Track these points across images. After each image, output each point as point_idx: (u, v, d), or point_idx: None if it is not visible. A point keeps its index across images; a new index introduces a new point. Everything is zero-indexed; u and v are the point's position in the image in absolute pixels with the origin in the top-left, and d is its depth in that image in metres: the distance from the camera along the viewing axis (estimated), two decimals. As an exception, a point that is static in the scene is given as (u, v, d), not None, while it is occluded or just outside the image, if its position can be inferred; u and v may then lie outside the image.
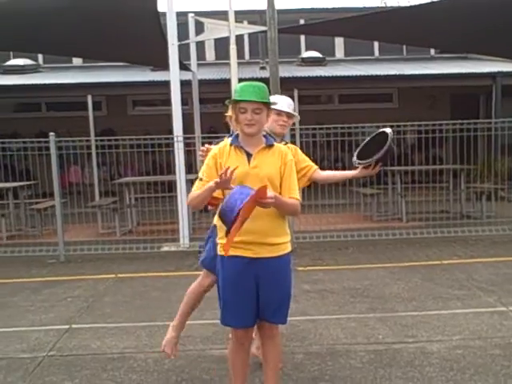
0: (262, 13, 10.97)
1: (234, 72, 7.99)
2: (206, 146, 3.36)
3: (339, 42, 15.92)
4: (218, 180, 2.58)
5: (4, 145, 7.92)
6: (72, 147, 7.83)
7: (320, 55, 14.94)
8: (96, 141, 9.29)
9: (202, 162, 2.99)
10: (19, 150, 8.35)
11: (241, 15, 11.16)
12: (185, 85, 9.29)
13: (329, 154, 11.47)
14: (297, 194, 2.82)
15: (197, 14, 11.16)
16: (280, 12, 8.55)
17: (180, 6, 23.70)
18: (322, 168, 3.70)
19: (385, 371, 3.54)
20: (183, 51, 10.29)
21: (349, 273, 6.16)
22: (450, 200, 9.47)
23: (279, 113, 3.41)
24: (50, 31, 8.54)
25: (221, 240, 2.81)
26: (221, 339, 4.10)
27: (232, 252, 2.73)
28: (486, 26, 8.53)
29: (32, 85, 12.20)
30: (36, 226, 8.99)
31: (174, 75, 7.78)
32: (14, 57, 14.71)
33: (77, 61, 15.52)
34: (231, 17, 8.32)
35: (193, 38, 11.02)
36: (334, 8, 15.44)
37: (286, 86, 9.60)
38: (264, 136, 2.86)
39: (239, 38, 10.70)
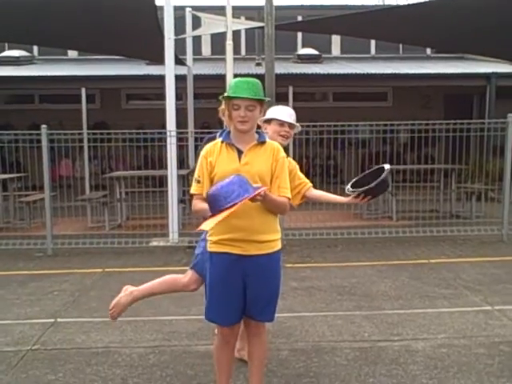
0: (259, 9, 10.94)
1: (229, 67, 7.98)
2: None
3: (336, 39, 15.92)
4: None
5: (-5, 136, 7.88)
6: (64, 140, 7.79)
7: (316, 52, 14.93)
8: (88, 134, 9.26)
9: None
10: (10, 141, 8.30)
11: (238, 11, 11.12)
12: (180, 79, 9.27)
13: (321, 151, 11.47)
14: (288, 193, 2.79)
15: (194, 8, 11.16)
16: (278, 8, 8.53)
17: (177, 0, 23.54)
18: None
19: (369, 369, 3.55)
20: (179, 46, 10.28)
21: (337, 270, 6.17)
22: (441, 199, 9.49)
23: (282, 123, 3.39)
24: (46, 23, 8.51)
25: (210, 237, 2.80)
26: (206, 335, 4.09)
27: (220, 249, 2.73)
28: (481, 26, 8.55)
29: (26, 76, 12.14)
30: (25, 218, 8.94)
31: (169, 69, 7.76)
32: (9, 48, 14.62)
33: (72, 53, 15.45)
34: (228, 12, 8.32)
35: (189, 33, 11.01)
36: (332, 5, 15.39)
37: (282, 82, 9.60)
38: (257, 132, 2.84)
39: (236, 34, 10.70)
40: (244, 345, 3.49)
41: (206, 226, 2.52)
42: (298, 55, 14.92)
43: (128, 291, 3.49)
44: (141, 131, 8.25)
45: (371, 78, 12.43)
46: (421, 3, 8.42)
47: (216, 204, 2.50)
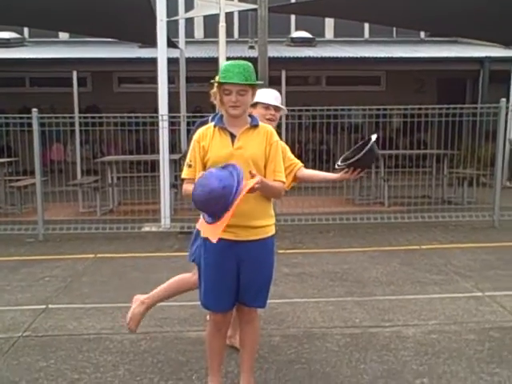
0: (252, -10, 10.82)
1: (222, 50, 7.87)
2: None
3: (329, 22, 15.76)
4: None
5: (-15, 120, 7.77)
6: (55, 124, 7.70)
7: (310, 35, 14.79)
8: (80, 118, 9.17)
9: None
10: (1, 125, 8.19)
11: (231, -8, 10.98)
12: (172, 62, 9.16)
13: (314, 136, 11.43)
14: (282, 177, 2.79)
15: (187, -10, 10.97)
16: (271, -10, 8.42)
17: (169, -19, 23.14)
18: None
19: (360, 355, 3.58)
20: (172, 28, 10.13)
21: (329, 256, 6.18)
22: (433, 185, 9.50)
23: (267, 106, 3.35)
24: (36, 3, 8.35)
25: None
26: (198, 321, 4.10)
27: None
28: (475, 9, 8.49)
29: (16, 59, 11.95)
30: (15, 203, 8.87)
31: (161, 52, 7.66)
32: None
33: (63, 35, 15.20)
34: (222, -7, 8.17)
35: (182, 15, 10.85)
36: (325, -12, 15.22)
37: (274, 66, 9.51)
38: (249, 116, 2.82)
39: (229, 16, 10.55)
40: (235, 332, 3.50)
41: (215, 235, 2.52)
42: (292, 38, 14.78)
43: (138, 301, 3.50)
44: (133, 115, 8.17)
45: (365, 62, 12.34)
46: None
47: (217, 204, 2.47)
